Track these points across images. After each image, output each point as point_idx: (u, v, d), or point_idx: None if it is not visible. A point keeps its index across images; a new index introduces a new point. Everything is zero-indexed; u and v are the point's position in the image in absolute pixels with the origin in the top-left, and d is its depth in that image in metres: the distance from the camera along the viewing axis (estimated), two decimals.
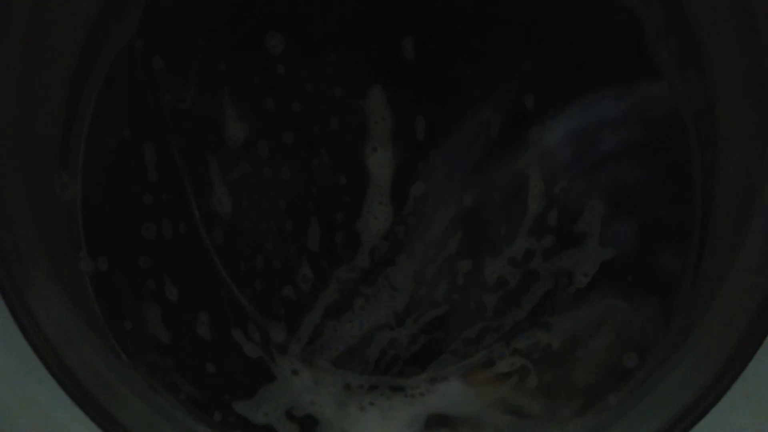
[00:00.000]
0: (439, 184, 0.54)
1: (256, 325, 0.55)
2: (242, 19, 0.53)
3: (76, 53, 0.51)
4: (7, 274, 0.45)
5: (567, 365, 0.54)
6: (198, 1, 0.53)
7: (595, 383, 0.53)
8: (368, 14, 0.53)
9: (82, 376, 0.46)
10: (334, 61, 0.53)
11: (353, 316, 0.55)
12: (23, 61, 0.46)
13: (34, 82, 0.48)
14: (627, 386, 0.51)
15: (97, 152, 0.53)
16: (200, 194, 0.54)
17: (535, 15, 0.52)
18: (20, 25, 0.46)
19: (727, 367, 0.44)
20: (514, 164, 0.54)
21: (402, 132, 0.53)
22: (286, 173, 0.54)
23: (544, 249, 0.54)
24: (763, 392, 0.43)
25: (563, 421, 0.52)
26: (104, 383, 0.49)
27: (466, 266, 0.55)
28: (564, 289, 0.54)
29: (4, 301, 0.44)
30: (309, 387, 0.54)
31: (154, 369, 0.53)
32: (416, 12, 0.53)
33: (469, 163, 0.54)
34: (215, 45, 0.53)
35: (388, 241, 0.55)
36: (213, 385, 0.54)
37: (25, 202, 0.47)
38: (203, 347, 0.54)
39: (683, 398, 0.45)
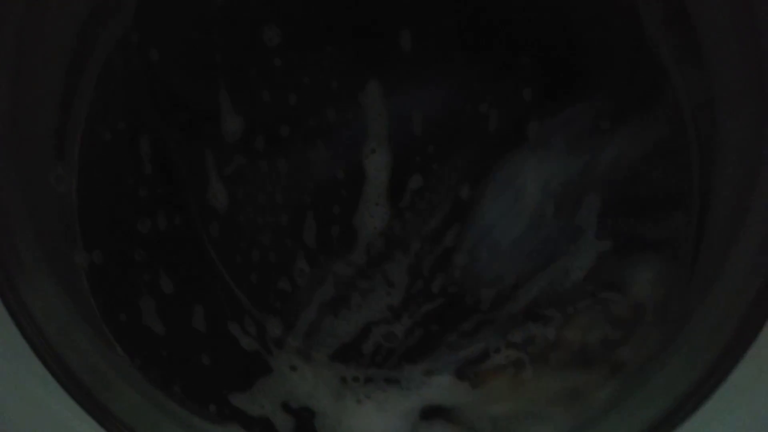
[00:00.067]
0: (436, 178, 0.54)
1: (253, 318, 0.55)
2: (238, 12, 0.53)
3: (72, 46, 0.50)
4: (2, 268, 0.45)
5: (561, 358, 0.54)
6: None
7: (587, 377, 0.53)
8: (365, 6, 0.52)
9: (77, 368, 0.46)
10: (330, 54, 0.53)
11: (349, 311, 0.55)
12: (18, 53, 0.46)
13: (29, 75, 0.47)
14: (618, 381, 0.52)
15: (92, 145, 0.53)
16: (196, 188, 0.54)
17: (534, 8, 0.52)
18: (15, 18, 0.45)
19: (719, 363, 0.44)
20: (512, 158, 0.54)
21: (399, 126, 0.53)
22: (283, 167, 0.54)
23: (540, 242, 0.54)
24: (755, 389, 0.43)
25: (555, 414, 0.53)
26: (99, 375, 0.49)
27: (463, 259, 0.55)
28: (560, 283, 0.54)
29: None
30: (305, 380, 0.54)
31: (150, 361, 0.53)
32: (413, 4, 0.52)
33: (466, 157, 0.54)
34: (211, 37, 0.53)
35: (385, 236, 0.55)
36: (208, 378, 0.54)
37: (19, 195, 0.47)
38: (199, 340, 0.54)
39: (674, 394, 0.45)
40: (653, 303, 0.53)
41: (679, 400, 0.44)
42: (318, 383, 0.54)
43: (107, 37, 0.52)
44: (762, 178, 0.46)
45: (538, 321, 0.54)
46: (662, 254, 0.53)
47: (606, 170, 0.53)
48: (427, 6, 0.52)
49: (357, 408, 0.54)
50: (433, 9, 0.52)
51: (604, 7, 0.52)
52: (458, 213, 0.54)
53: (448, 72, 0.53)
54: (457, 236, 0.55)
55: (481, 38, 0.53)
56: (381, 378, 0.55)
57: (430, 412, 0.54)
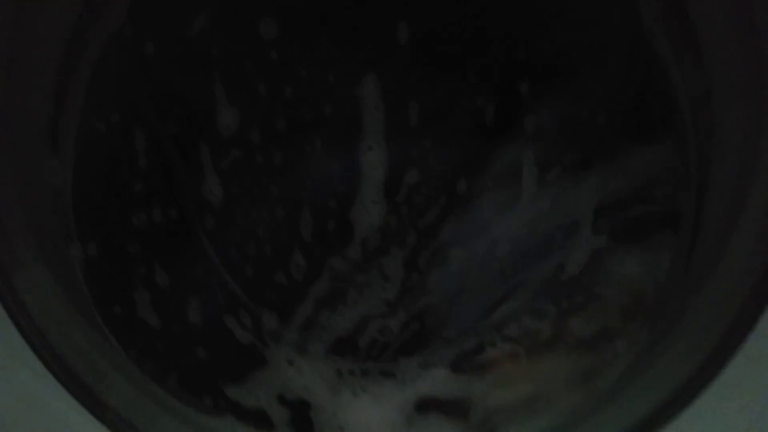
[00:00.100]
0: (432, 172, 0.54)
1: (248, 311, 0.55)
2: (235, 4, 0.52)
3: (66, 39, 0.50)
4: None
5: (557, 350, 0.54)
6: None
7: (585, 368, 0.53)
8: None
9: (71, 360, 0.46)
10: (327, 47, 0.52)
11: (345, 305, 0.55)
12: (11, 46, 0.46)
13: (23, 67, 0.47)
14: (616, 371, 0.52)
15: (87, 138, 0.52)
16: (191, 181, 0.54)
17: (532, 0, 0.52)
18: (9, 10, 0.45)
19: (716, 354, 0.44)
20: (508, 152, 0.53)
21: (396, 119, 0.53)
22: (279, 161, 0.54)
23: (536, 237, 0.54)
24: (752, 381, 0.43)
25: (552, 404, 0.53)
26: (93, 367, 0.49)
27: (459, 254, 0.55)
28: (556, 277, 0.54)
29: None
30: (301, 373, 0.55)
31: (144, 354, 0.53)
32: None
33: (463, 151, 0.54)
34: (207, 31, 0.53)
35: (381, 231, 0.55)
36: (204, 370, 0.54)
37: (13, 188, 0.47)
38: (194, 332, 0.54)
39: (672, 384, 0.45)
40: (651, 294, 0.53)
41: (675, 392, 0.44)
42: (314, 376, 0.54)
43: (102, 31, 0.52)
44: (760, 173, 0.46)
45: (533, 315, 0.54)
46: (659, 247, 0.53)
47: (602, 165, 0.53)
48: None
49: (353, 400, 0.54)
50: (430, 2, 0.52)
51: (602, 0, 0.52)
52: (454, 207, 0.54)
53: (444, 65, 0.53)
54: (453, 230, 0.55)
55: (478, 31, 0.52)
56: (377, 371, 0.55)
57: (425, 404, 0.54)
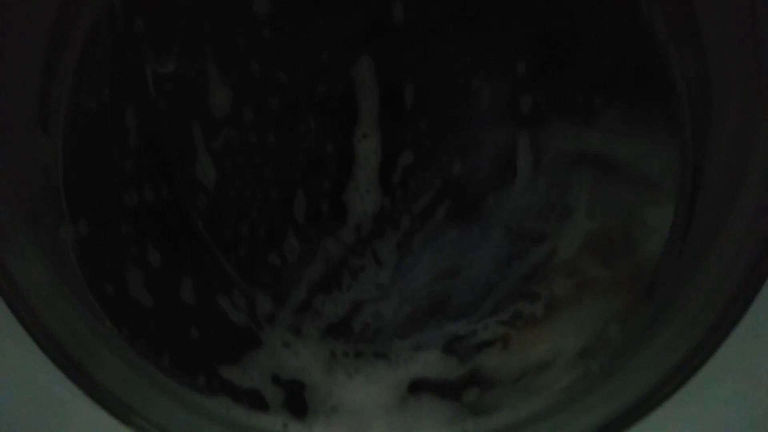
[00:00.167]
0: (427, 154, 0.54)
1: (242, 292, 0.55)
2: None
3: (54, 14, 0.49)
4: None
5: (550, 332, 0.54)
6: None
7: (578, 349, 0.53)
8: None
9: (63, 339, 0.46)
10: (321, 26, 0.52)
11: (340, 287, 0.55)
12: None
13: (11, 44, 0.46)
14: (609, 353, 0.52)
15: (77, 116, 0.52)
16: (184, 160, 0.53)
17: None
18: None
19: (709, 337, 0.44)
20: (504, 133, 0.53)
21: (390, 101, 0.52)
22: (272, 141, 0.54)
23: (531, 219, 0.54)
24: (744, 363, 0.43)
25: (545, 386, 0.53)
26: (85, 346, 0.49)
27: (453, 236, 0.55)
28: (550, 260, 0.54)
29: None
30: (296, 354, 0.55)
31: (137, 333, 0.53)
32: None
33: (458, 132, 0.53)
34: (199, 6, 0.52)
35: (375, 214, 0.54)
36: (197, 350, 0.54)
37: (3, 166, 0.47)
38: (187, 312, 0.54)
39: (664, 367, 0.45)
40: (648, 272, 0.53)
41: (667, 375, 0.44)
42: (309, 357, 0.54)
43: (91, 5, 0.51)
44: (754, 158, 0.46)
45: (526, 298, 0.54)
46: (652, 233, 0.53)
47: (599, 147, 0.53)
48: None
49: (347, 381, 0.54)
50: None
51: None
52: (449, 189, 0.54)
53: (440, 45, 0.52)
54: (448, 212, 0.54)
55: (475, 11, 0.52)
56: (370, 353, 0.55)
57: (418, 384, 0.54)
